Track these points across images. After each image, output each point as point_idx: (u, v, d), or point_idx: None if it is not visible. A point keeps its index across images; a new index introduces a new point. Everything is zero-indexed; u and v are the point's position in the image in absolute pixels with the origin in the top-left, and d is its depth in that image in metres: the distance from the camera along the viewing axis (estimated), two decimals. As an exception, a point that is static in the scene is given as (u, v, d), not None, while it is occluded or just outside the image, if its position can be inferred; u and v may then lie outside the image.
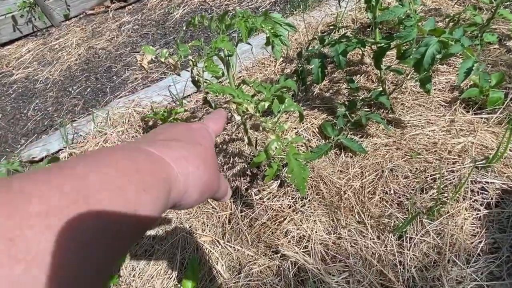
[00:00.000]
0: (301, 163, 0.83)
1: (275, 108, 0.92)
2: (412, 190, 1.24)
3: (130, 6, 2.98)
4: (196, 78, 0.88)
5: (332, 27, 1.90)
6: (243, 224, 1.22)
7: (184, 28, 0.90)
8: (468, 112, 1.43)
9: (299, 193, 1.11)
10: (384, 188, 1.26)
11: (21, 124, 2.18)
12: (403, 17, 1.06)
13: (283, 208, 1.22)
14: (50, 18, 2.93)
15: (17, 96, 2.40)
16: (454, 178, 1.24)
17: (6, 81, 2.55)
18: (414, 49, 1.04)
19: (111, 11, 2.97)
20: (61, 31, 2.93)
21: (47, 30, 2.96)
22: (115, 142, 1.62)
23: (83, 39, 2.76)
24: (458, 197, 1.18)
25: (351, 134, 1.42)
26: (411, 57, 1.08)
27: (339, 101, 1.56)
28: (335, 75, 1.71)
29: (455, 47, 1.03)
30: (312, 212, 1.17)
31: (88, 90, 2.25)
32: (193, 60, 0.87)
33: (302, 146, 1.43)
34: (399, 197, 1.23)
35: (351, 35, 1.39)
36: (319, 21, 2.01)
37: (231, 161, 1.44)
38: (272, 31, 0.95)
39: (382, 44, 1.13)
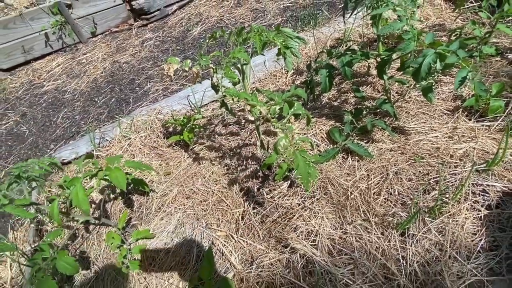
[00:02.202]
0: (306, 159, 0.93)
1: (285, 111, 1.03)
2: (416, 191, 1.31)
3: (152, 24, 3.20)
4: (216, 84, 1.00)
5: (340, 41, 2.03)
6: (255, 220, 1.31)
7: (207, 41, 1.03)
8: (470, 120, 1.50)
9: (304, 189, 1.19)
10: (389, 189, 1.33)
11: (51, 130, 2.36)
12: (402, 31, 1.17)
13: (293, 206, 1.31)
14: (79, 35, 3.17)
15: (47, 105, 2.60)
16: (456, 181, 1.30)
17: (38, 92, 2.77)
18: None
19: (134, 28, 3.20)
20: (88, 46, 3.16)
21: (75, 46, 3.20)
22: (138, 146, 1.76)
23: (108, 54, 2.97)
24: (459, 198, 1.24)
25: (357, 140, 1.51)
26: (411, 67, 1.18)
27: (346, 109, 1.66)
28: (343, 86, 1.81)
29: (451, 58, 1.13)
30: (320, 210, 1.26)
31: (112, 100, 2.43)
32: (214, 68, 1.00)
33: (311, 150, 1.52)
34: (403, 198, 1.30)
35: (356, 48, 1.51)
36: (328, 36, 2.14)
37: (244, 164, 1.55)
38: (283, 43, 1.07)
39: (384, 56, 1.23)
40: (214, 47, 2.59)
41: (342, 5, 2.52)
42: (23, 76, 2.97)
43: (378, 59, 1.45)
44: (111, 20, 3.29)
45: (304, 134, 1.59)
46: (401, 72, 1.57)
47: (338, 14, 2.45)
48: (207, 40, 1.04)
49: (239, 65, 1.13)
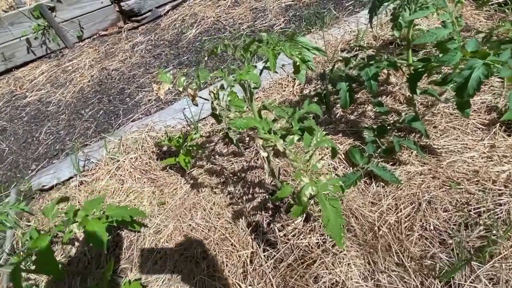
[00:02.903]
0: (338, 209, 0.73)
1: (306, 142, 0.82)
2: (454, 225, 1.11)
3: (143, 27, 2.97)
4: (217, 112, 0.79)
5: (353, 45, 1.82)
6: (267, 265, 1.10)
7: (205, 58, 0.82)
8: (509, 135, 1.30)
9: (338, 246, 0.99)
10: (423, 223, 1.13)
11: (33, 148, 2.14)
12: (445, 39, 0.96)
13: (311, 247, 1.10)
14: (64, 39, 2.93)
15: (29, 119, 2.37)
16: (502, 212, 1.11)
17: (19, 103, 2.54)
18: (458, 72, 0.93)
19: (124, 31, 2.96)
20: (74, 52, 2.92)
21: (61, 52, 2.96)
22: (127, 170, 1.54)
23: (96, 60, 2.74)
24: (509, 235, 1.05)
25: (381, 161, 1.31)
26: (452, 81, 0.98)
27: (365, 124, 1.45)
28: (359, 96, 1.60)
29: (504, 70, 0.93)
30: (345, 254, 1.05)
31: (100, 113, 2.20)
32: (215, 92, 0.79)
33: (327, 173, 1.32)
34: (441, 234, 1.10)
35: (374, 52, 1.31)
36: (339, 39, 1.93)
37: (250, 192, 1.34)
38: (300, 56, 0.86)
39: (418, 67, 1.02)
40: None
41: (350, 2, 2.31)
42: (4, 86, 2.73)
43: (405, 68, 1.25)
44: (99, 23, 3.05)
45: (320, 154, 1.38)
46: (427, 80, 1.37)
47: (347, 13, 2.24)
48: (206, 57, 0.83)
49: (244, 83, 0.92)
